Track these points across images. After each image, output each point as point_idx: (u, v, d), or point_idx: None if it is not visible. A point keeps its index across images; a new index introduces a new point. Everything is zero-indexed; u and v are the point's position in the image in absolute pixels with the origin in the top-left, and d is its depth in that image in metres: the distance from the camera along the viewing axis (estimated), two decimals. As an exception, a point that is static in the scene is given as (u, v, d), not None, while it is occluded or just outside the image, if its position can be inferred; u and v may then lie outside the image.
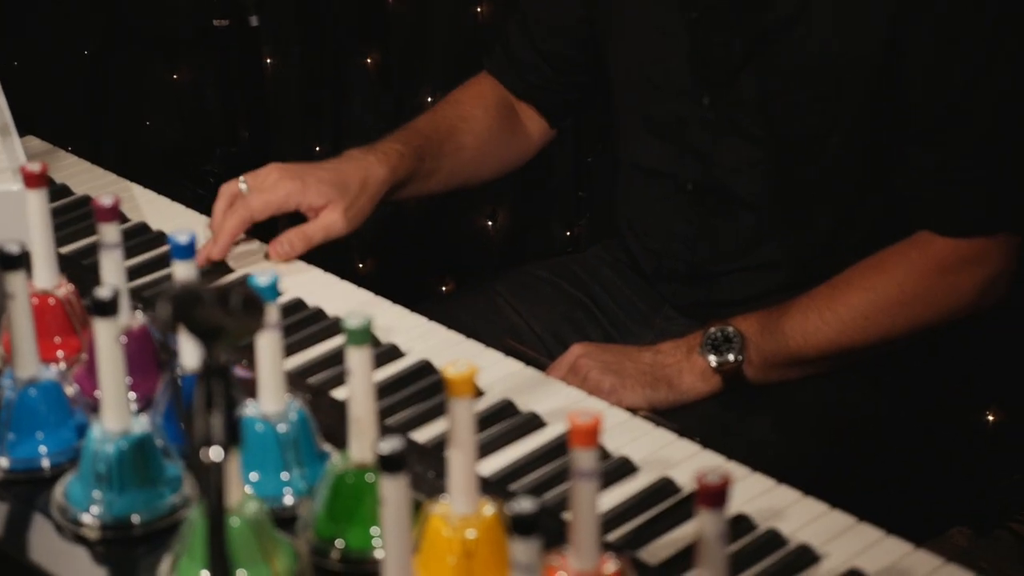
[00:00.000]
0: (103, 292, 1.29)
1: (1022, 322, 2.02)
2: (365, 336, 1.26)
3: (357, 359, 1.26)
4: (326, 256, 1.98)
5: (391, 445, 1.11)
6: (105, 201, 1.43)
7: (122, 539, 1.32)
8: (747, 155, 1.88)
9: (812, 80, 1.81)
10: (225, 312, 1.01)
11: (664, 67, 1.93)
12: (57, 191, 2.02)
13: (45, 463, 1.40)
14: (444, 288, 3.00)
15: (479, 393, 1.61)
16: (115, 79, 3.00)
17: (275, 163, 1.89)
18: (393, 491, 1.12)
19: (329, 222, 1.86)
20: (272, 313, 1.32)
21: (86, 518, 1.32)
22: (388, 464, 1.11)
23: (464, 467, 1.21)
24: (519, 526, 1.05)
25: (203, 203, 2.11)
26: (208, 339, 1.01)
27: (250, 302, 1.05)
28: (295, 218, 1.93)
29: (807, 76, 1.81)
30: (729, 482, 1.07)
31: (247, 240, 1.89)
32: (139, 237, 1.90)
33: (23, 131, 2.09)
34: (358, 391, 1.27)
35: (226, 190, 1.87)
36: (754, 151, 1.88)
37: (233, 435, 1.01)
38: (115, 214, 1.44)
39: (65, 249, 1.87)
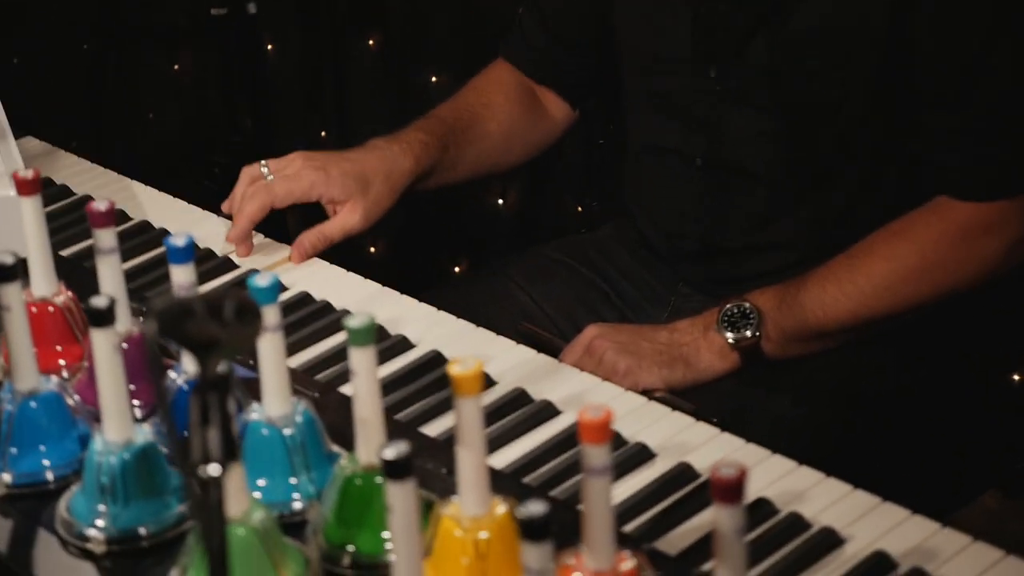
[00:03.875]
0: (99, 301, 1.26)
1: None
2: (368, 336, 1.22)
3: (361, 359, 1.23)
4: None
5: (396, 450, 1.08)
6: (100, 206, 1.40)
7: (129, 552, 1.30)
8: (756, 128, 1.84)
9: (820, 48, 1.77)
10: (218, 323, 0.98)
11: (668, 40, 1.89)
12: (57, 192, 2.00)
13: (49, 476, 1.37)
14: (457, 268, 2.96)
15: (491, 383, 1.58)
16: (115, 72, 2.97)
17: (299, 151, 1.87)
18: (400, 497, 1.08)
19: (348, 222, 1.86)
20: (273, 315, 1.29)
21: (91, 532, 1.29)
22: (394, 470, 1.08)
23: (473, 467, 1.17)
24: (529, 530, 1.01)
25: (209, 194, 2.09)
26: (201, 352, 0.97)
27: (244, 310, 1.01)
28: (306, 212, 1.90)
29: (815, 44, 1.77)
30: (745, 475, 1.04)
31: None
32: (141, 236, 1.88)
33: (23, 130, 2.06)
34: (363, 392, 1.24)
35: (247, 173, 1.86)
36: (763, 123, 1.84)
37: (231, 451, 0.98)
38: (111, 219, 1.41)
39: (67, 251, 1.85)
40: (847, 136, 1.81)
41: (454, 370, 1.15)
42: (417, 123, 1.98)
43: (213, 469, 0.97)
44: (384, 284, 1.81)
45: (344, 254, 1.90)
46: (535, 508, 1.02)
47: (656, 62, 1.91)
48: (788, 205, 1.86)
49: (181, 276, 1.35)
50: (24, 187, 1.46)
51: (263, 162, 1.85)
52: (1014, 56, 1.72)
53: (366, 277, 1.83)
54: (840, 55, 1.76)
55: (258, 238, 1.86)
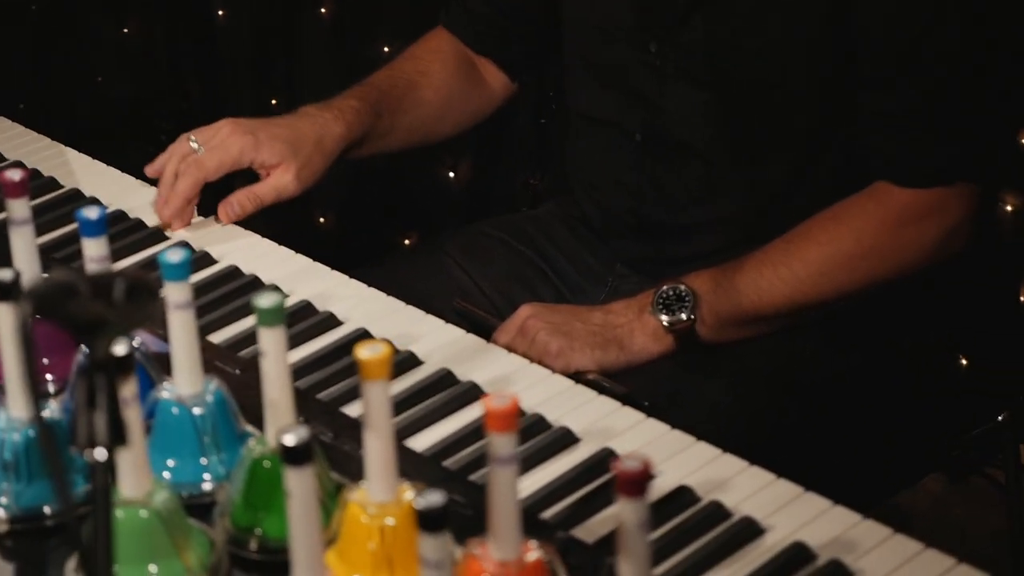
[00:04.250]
0: (3, 275, 1.23)
1: (988, 266, 1.97)
2: (277, 316, 1.20)
3: (270, 340, 1.20)
4: (286, 212, 1.92)
5: (296, 436, 1.05)
6: (13, 176, 1.37)
7: (32, 531, 1.27)
8: (696, 102, 1.82)
9: (760, 26, 1.75)
10: (106, 304, 0.95)
11: (609, 12, 1.86)
12: (-12, 157, 1.97)
13: (-45, 452, 1.34)
14: (407, 241, 2.94)
15: (417, 362, 1.55)
16: (64, 35, 2.93)
17: (228, 118, 1.84)
18: (299, 484, 1.06)
19: (280, 183, 1.82)
20: (183, 292, 1.26)
21: (-6, 510, 1.27)
22: (293, 456, 1.05)
23: (381, 452, 1.15)
24: (426, 522, 0.99)
25: (152, 161, 2.05)
26: (87, 334, 0.95)
27: (137, 290, 0.98)
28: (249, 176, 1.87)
29: (755, 21, 1.75)
30: (649, 469, 1.02)
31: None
32: (71, 204, 1.84)
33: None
34: (272, 373, 1.21)
35: (177, 150, 1.81)
36: (703, 98, 1.81)
37: (119, 435, 0.96)
38: (24, 189, 1.38)
39: (-8, 219, 1.81)
40: (786, 116, 1.79)
41: (361, 354, 1.12)
42: (351, 90, 1.95)
43: (99, 453, 0.94)
44: (332, 256, 1.78)
45: (292, 225, 1.87)
46: (432, 499, 0.99)
47: (597, 34, 1.88)
48: (726, 183, 1.84)
49: (93, 249, 1.32)
50: (-60, 154, 1.43)
51: (191, 136, 1.81)
52: (955, 43, 1.70)
53: (314, 248, 1.80)
54: (779, 33, 1.74)
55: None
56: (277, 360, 1.21)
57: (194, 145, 1.80)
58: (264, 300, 1.19)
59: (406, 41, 2.34)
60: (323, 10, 2.87)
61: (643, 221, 1.90)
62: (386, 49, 2.78)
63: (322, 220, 2.97)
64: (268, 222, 1.95)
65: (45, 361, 1.40)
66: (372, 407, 1.14)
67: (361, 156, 1.95)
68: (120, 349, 1.04)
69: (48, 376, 1.40)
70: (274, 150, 1.80)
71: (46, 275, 1.35)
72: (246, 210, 1.80)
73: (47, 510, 1.27)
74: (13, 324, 1.23)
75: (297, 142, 1.82)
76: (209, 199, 1.84)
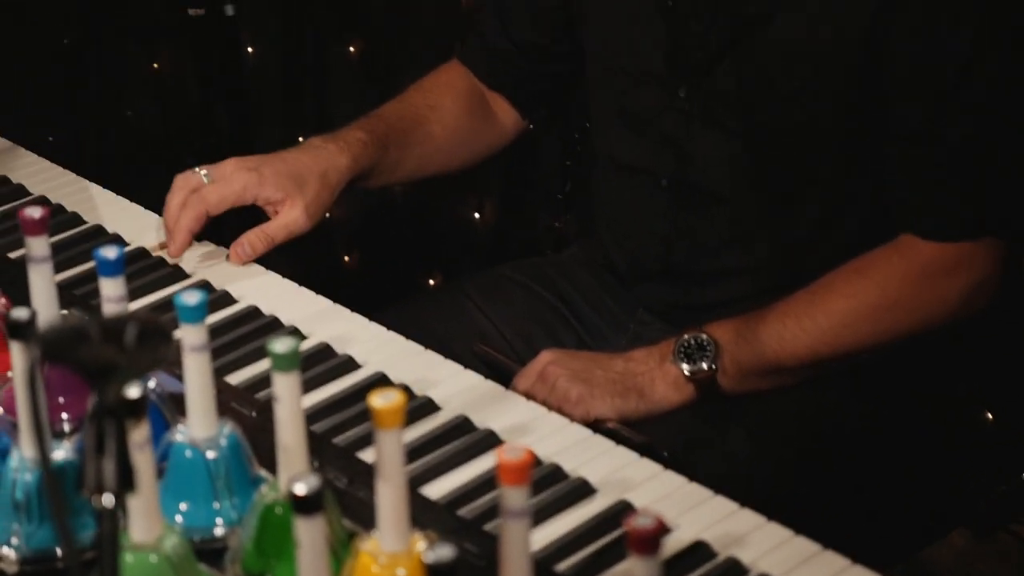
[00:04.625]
0: (19, 313, 1.22)
1: (1016, 321, 1.95)
2: (292, 362, 1.19)
3: (284, 385, 1.19)
4: (311, 250, 1.91)
5: (307, 484, 1.04)
6: (33, 213, 1.37)
7: (43, 573, 1.26)
8: (724, 149, 1.81)
9: (791, 72, 1.73)
10: (117, 349, 0.94)
11: (639, 56, 1.85)
12: (14, 191, 1.97)
13: (-33, 490, 1.33)
14: (432, 282, 2.93)
15: (434, 408, 1.54)
16: (95, 69, 2.95)
17: (233, 157, 1.83)
18: (308, 534, 1.05)
19: (290, 220, 1.80)
20: (199, 334, 1.25)
21: (4, 551, 1.26)
22: (303, 506, 1.04)
23: (393, 502, 1.14)
24: (435, 576, 0.98)
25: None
26: (97, 379, 0.94)
27: (149, 334, 0.98)
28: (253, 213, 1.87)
29: (786, 68, 1.73)
30: (662, 527, 1.00)
31: (202, 243, 1.83)
32: (95, 240, 1.84)
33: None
34: (286, 419, 1.20)
35: (181, 182, 1.80)
36: (732, 145, 1.80)
37: (127, 481, 0.95)
38: (43, 227, 1.37)
39: (15, 254, 1.81)
40: (814, 163, 1.77)
41: (375, 402, 1.11)
42: (359, 121, 1.94)
43: (107, 500, 0.93)
44: (356, 295, 1.76)
45: (317, 264, 1.86)
46: (442, 553, 0.98)
47: (626, 77, 1.87)
48: (752, 230, 1.83)
49: (110, 289, 1.31)
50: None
51: (199, 168, 1.80)
52: (983, 98, 1.69)
53: (339, 287, 1.78)
54: (809, 82, 1.73)
55: (209, 247, 1.82)
56: (291, 406, 1.20)
57: (203, 175, 1.79)
58: (279, 345, 1.18)
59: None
60: (351, 48, 2.87)
61: (671, 267, 1.89)
62: (414, 87, 2.78)
63: (347, 259, 2.97)
64: (293, 261, 1.94)
65: (61, 400, 1.39)
66: (385, 456, 1.12)
67: (370, 187, 1.94)
68: (132, 393, 1.03)
69: (64, 415, 1.39)
70: (278, 185, 1.78)
71: (63, 313, 1.34)
72: (257, 250, 1.79)
73: (58, 552, 1.26)
74: (27, 364, 1.23)
75: (301, 176, 1.80)
76: (228, 238, 1.84)
